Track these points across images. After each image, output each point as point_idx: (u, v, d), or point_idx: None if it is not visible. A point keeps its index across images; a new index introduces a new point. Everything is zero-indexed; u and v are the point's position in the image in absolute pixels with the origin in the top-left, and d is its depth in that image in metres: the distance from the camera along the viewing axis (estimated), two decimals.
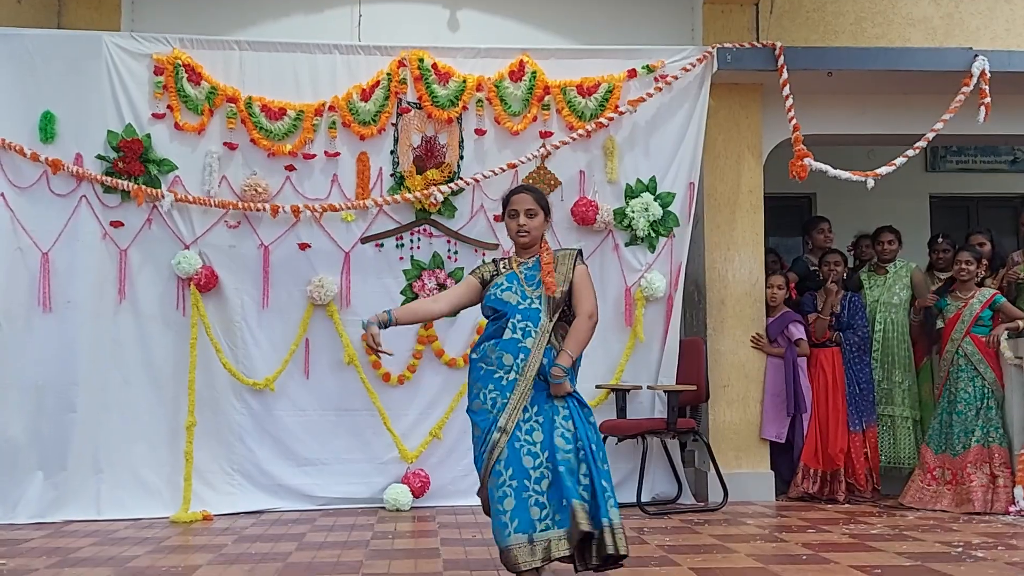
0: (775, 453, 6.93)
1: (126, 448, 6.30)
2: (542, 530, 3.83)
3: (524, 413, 3.96)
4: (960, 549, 4.87)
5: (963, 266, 6.57)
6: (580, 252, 4.26)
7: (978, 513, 6.10)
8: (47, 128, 6.31)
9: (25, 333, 6.26)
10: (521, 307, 4.06)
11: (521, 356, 3.99)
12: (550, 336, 4.04)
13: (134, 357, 6.38)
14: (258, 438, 6.46)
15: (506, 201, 4.24)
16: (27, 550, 5.09)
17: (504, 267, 4.22)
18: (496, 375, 4.01)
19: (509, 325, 4.03)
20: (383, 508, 6.39)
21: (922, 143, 6.71)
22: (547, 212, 4.21)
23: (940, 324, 6.73)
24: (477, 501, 6.32)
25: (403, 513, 6.28)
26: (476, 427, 4.04)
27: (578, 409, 4.03)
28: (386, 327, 4.10)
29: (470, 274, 4.30)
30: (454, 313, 4.37)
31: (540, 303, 4.07)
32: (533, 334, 4.02)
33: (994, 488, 6.20)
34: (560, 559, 3.87)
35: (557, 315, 4.06)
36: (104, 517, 6.11)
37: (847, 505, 6.56)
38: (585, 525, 3.77)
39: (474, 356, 4.10)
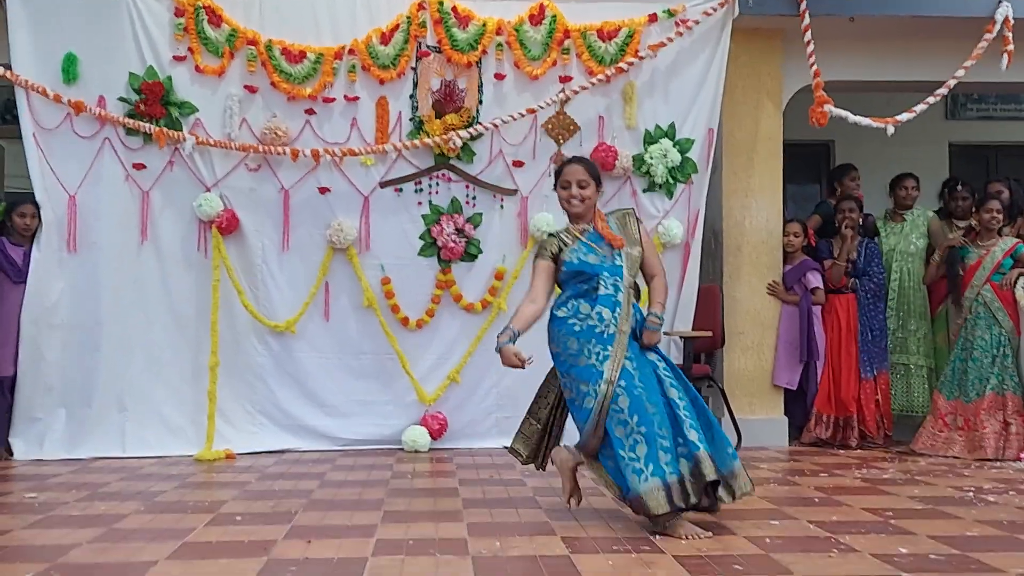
0: (789, 400, 7.00)
1: (150, 387, 6.41)
2: (671, 473, 3.90)
3: (629, 363, 4.05)
4: (971, 494, 4.94)
5: (993, 214, 6.55)
6: (634, 211, 4.45)
7: (989, 459, 6.16)
8: (70, 70, 6.34)
9: (53, 273, 6.34)
10: (607, 265, 4.18)
11: (618, 310, 4.11)
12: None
13: (157, 298, 6.47)
14: (279, 379, 6.55)
15: (557, 173, 4.35)
16: (55, 484, 5.22)
17: (569, 238, 4.28)
18: (597, 329, 4.08)
19: (601, 284, 4.14)
20: (401, 449, 6.50)
21: (943, 90, 6.66)
22: (599, 182, 4.32)
23: (960, 272, 6.73)
24: (494, 444, 6.50)
25: (421, 454, 6.39)
26: (580, 381, 4.06)
27: (671, 363, 4.22)
28: (514, 341, 4.11)
29: (539, 259, 4.26)
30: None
31: (622, 261, 4.20)
32: (622, 289, 4.16)
33: (1006, 435, 6.26)
34: (691, 507, 3.98)
35: (637, 272, 4.26)
36: (129, 454, 6.24)
37: (859, 451, 6.63)
38: (711, 474, 3.91)
39: (562, 314, 4.16)
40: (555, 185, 4.38)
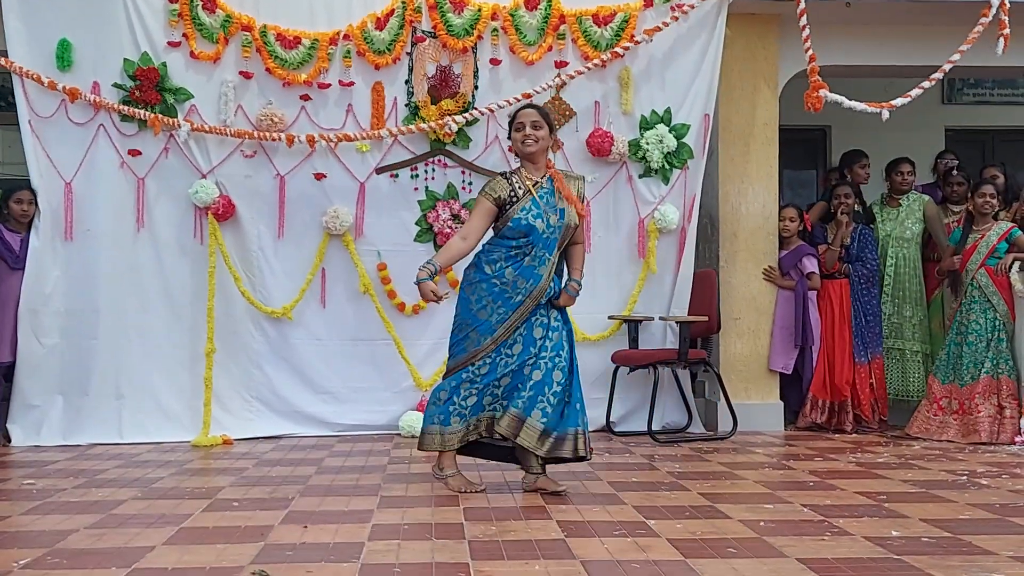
0: (785, 384, 7.02)
1: (146, 374, 6.42)
2: (459, 423, 4.44)
3: (514, 331, 4.39)
4: (965, 477, 4.96)
5: (987, 199, 6.56)
6: (584, 178, 4.71)
7: (984, 443, 6.19)
8: (64, 56, 6.33)
9: (50, 260, 6.35)
10: (544, 236, 4.39)
11: (531, 282, 4.39)
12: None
13: (153, 285, 6.47)
14: (276, 365, 6.57)
15: (511, 119, 4.52)
16: (53, 471, 5.24)
17: (519, 186, 4.41)
18: (506, 294, 4.38)
19: (531, 252, 4.37)
20: (398, 435, 6.51)
21: (938, 75, 6.66)
22: (551, 128, 4.50)
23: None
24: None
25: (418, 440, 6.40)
26: (471, 328, 4.41)
27: (569, 326, 4.55)
28: (433, 277, 4.36)
29: (484, 198, 4.44)
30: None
31: (557, 234, 4.41)
32: (546, 263, 4.42)
33: (1001, 419, 6.29)
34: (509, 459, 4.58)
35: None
36: (126, 441, 6.26)
37: (854, 435, 6.66)
38: (568, 453, 4.40)
39: (488, 271, 4.40)
40: (508, 132, 4.52)
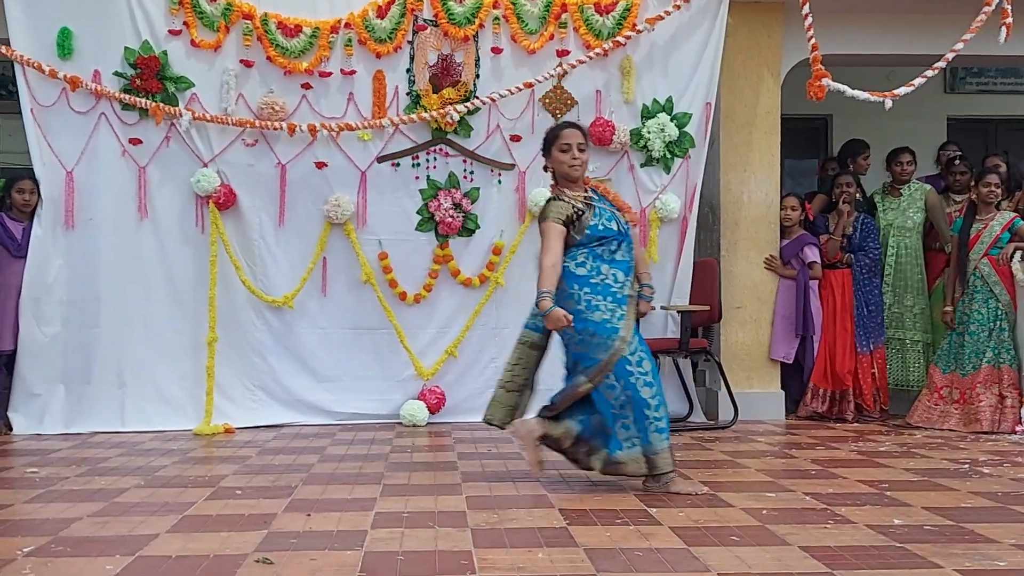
0: (786, 374, 7.03)
1: (148, 362, 6.43)
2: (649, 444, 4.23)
3: (632, 331, 4.25)
4: (967, 466, 4.97)
5: (992, 188, 6.55)
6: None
7: (985, 432, 6.19)
8: (65, 44, 6.32)
9: (51, 249, 6.34)
10: (623, 233, 4.35)
11: (630, 276, 4.33)
12: None
13: (155, 273, 6.47)
14: (277, 354, 6.57)
15: (555, 136, 4.39)
16: (56, 459, 5.24)
17: (581, 204, 4.32)
18: (612, 288, 4.25)
19: (620, 248, 4.30)
20: (400, 424, 6.52)
21: (941, 63, 6.63)
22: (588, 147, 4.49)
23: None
24: None
25: (420, 428, 6.42)
26: (591, 334, 4.19)
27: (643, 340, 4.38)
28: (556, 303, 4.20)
29: (552, 222, 4.25)
30: None
31: (629, 235, 4.40)
32: (632, 258, 4.38)
33: (1002, 408, 6.29)
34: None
35: None
36: (128, 429, 6.26)
37: (856, 424, 6.67)
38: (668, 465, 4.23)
39: (581, 272, 4.25)
40: (545, 149, 4.42)
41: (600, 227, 4.29)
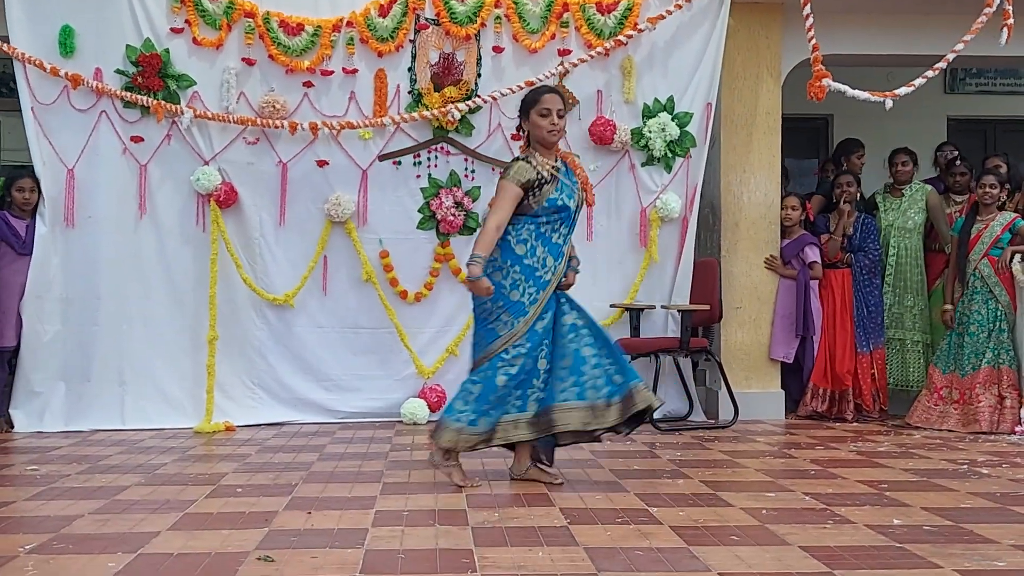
0: (786, 373, 7.03)
1: (149, 360, 6.43)
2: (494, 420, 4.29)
3: (541, 311, 4.34)
4: (966, 466, 4.98)
5: (987, 190, 6.56)
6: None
7: (984, 433, 6.20)
8: (66, 42, 6.32)
9: (51, 247, 6.34)
10: (573, 215, 4.42)
11: (559, 261, 4.38)
12: None
13: (155, 271, 6.48)
14: (278, 353, 6.58)
15: (535, 100, 4.36)
16: (57, 457, 5.25)
17: (542, 168, 4.32)
18: (537, 273, 4.33)
19: (559, 229, 4.37)
20: (400, 422, 6.53)
21: (942, 64, 6.63)
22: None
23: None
24: None
25: (420, 427, 6.42)
26: (503, 311, 4.29)
27: (582, 310, 4.47)
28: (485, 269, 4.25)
29: (510, 182, 4.28)
30: None
31: (576, 215, 4.45)
32: (567, 242, 4.45)
33: (1001, 409, 6.30)
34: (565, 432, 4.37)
35: None
36: (128, 427, 6.27)
37: (855, 424, 6.67)
38: (643, 403, 4.27)
39: (520, 251, 4.31)
40: (523, 111, 4.40)
41: (559, 201, 4.33)
